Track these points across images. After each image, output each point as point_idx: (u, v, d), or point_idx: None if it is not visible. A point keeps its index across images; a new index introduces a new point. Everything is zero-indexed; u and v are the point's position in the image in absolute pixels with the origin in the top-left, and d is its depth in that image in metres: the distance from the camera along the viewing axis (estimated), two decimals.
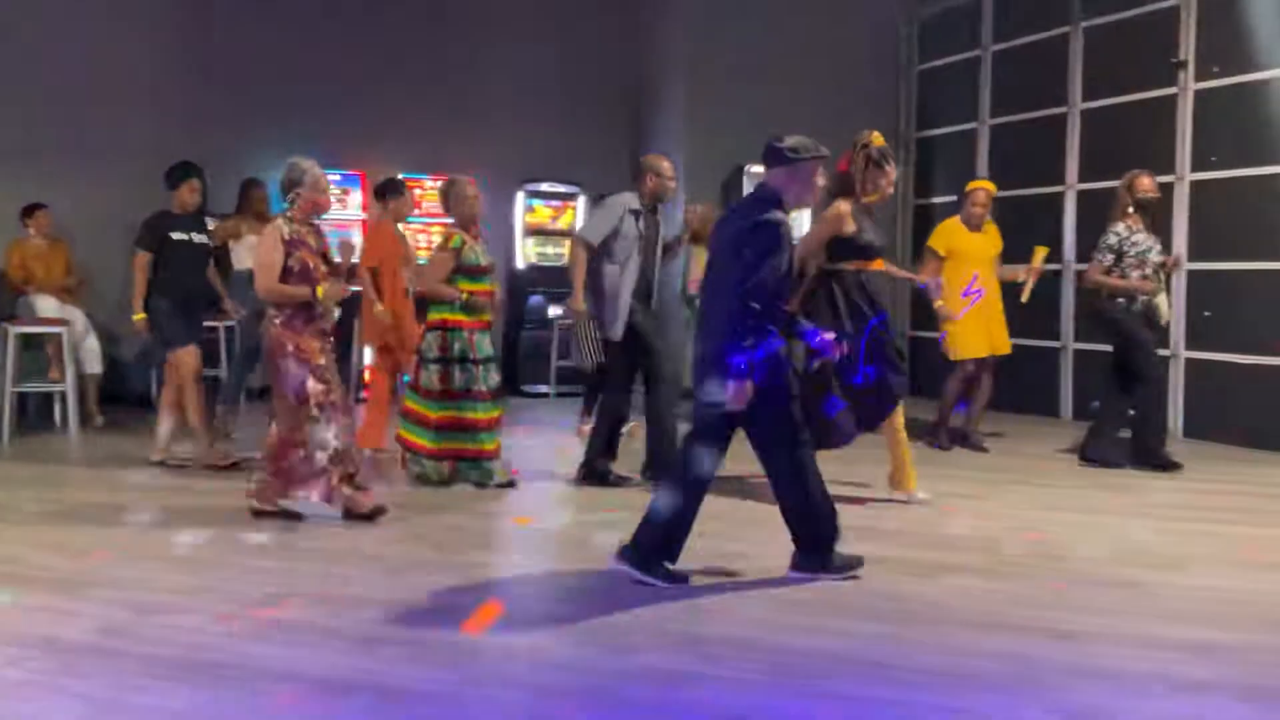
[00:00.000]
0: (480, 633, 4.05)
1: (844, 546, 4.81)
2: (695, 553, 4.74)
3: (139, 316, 7.06)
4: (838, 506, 4.78)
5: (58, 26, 9.72)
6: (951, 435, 8.17)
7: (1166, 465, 7.32)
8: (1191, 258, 8.22)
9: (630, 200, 6.65)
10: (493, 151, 10.57)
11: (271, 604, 4.32)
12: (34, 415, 8.90)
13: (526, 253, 11.07)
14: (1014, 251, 8.27)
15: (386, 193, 7.63)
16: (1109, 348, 7.71)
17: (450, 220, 6.82)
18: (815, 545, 4.72)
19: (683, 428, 6.70)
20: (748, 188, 10.64)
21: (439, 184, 7.21)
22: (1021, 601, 4.54)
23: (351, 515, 5.65)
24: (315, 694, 3.50)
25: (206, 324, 7.93)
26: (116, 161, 9.50)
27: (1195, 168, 8.78)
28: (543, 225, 11.14)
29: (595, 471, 6.65)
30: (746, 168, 10.75)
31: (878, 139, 6.09)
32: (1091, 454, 7.52)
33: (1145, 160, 8.14)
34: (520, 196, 11.02)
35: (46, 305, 8.77)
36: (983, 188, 8.14)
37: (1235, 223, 8.49)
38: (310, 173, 5.71)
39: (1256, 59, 8.35)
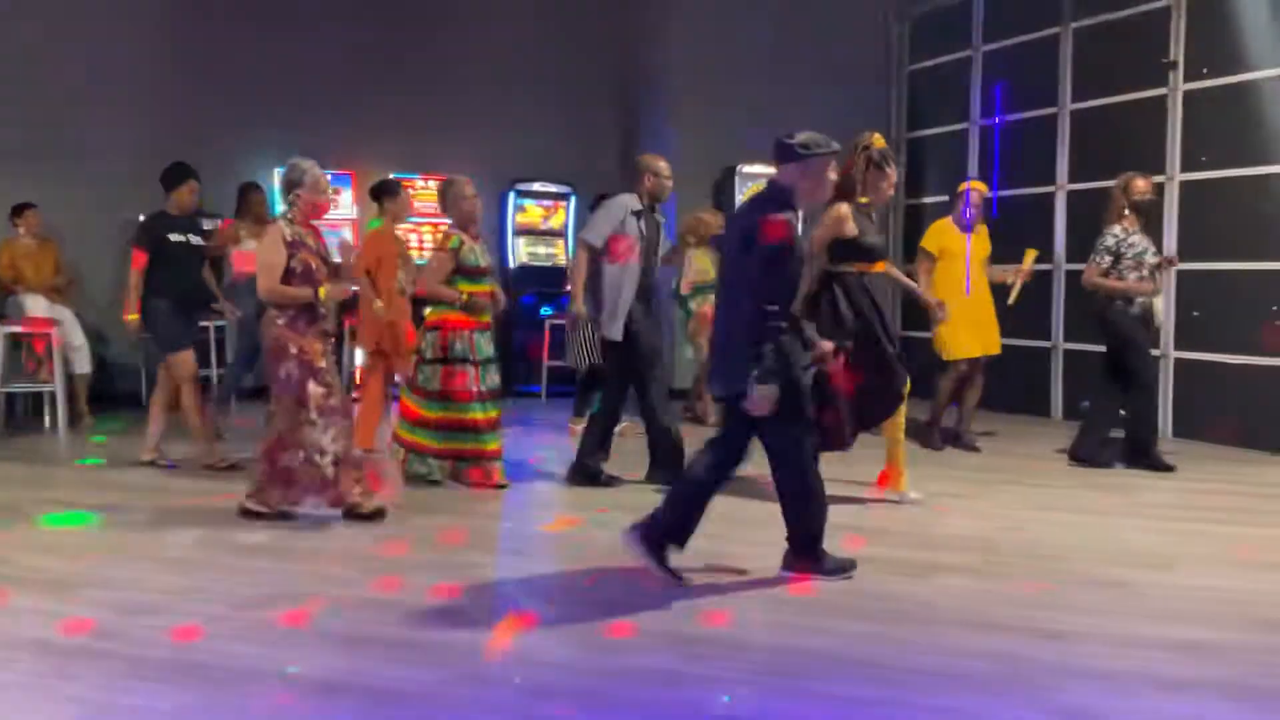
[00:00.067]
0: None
1: (835, 545, 4.82)
2: (691, 552, 4.75)
3: (132, 317, 7.04)
4: (830, 505, 4.79)
5: (51, 27, 9.69)
6: (944, 435, 8.18)
7: (1159, 466, 7.34)
8: (1181, 258, 8.25)
9: (631, 201, 6.65)
10: (483, 151, 10.55)
11: (262, 605, 4.31)
12: (22, 416, 8.88)
13: (517, 253, 11.05)
14: (1003, 252, 8.29)
15: (382, 194, 7.61)
16: (1101, 348, 7.73)
17: (449, 220, 6.81)
18: (806, 540, 4.74)
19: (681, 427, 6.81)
20: (739, 188, 10.69)
21: (438, 184, 7.18)
22: (1012, 601, 4.55)
23: (352, 515, 5.65)
24: (306, 695, 3.49)
25: (199, 324, 7.92)
26: (107, 162, 9.48)
27: (1185, 168, 8.81)
28: (534, 225, 11.12)
29: (587, 471, 6.66)
30: (738, 168, 10.78)
31: (879, 140, 6.07)
32: (1082, 454, 7.54)
33: (1135, 161, 8.17)
34: (511, 196, 11.01)
35: (36, 305, 8.75)
36: (975, 188, 8.16)
37: (1225, 223, 8.52)
38: (310, 173, 5.70)
39: (1246, 60, 8.38)
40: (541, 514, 6.22)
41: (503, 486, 6.55)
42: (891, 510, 6.16)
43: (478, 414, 6.48)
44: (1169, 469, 7.32)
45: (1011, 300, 8.03)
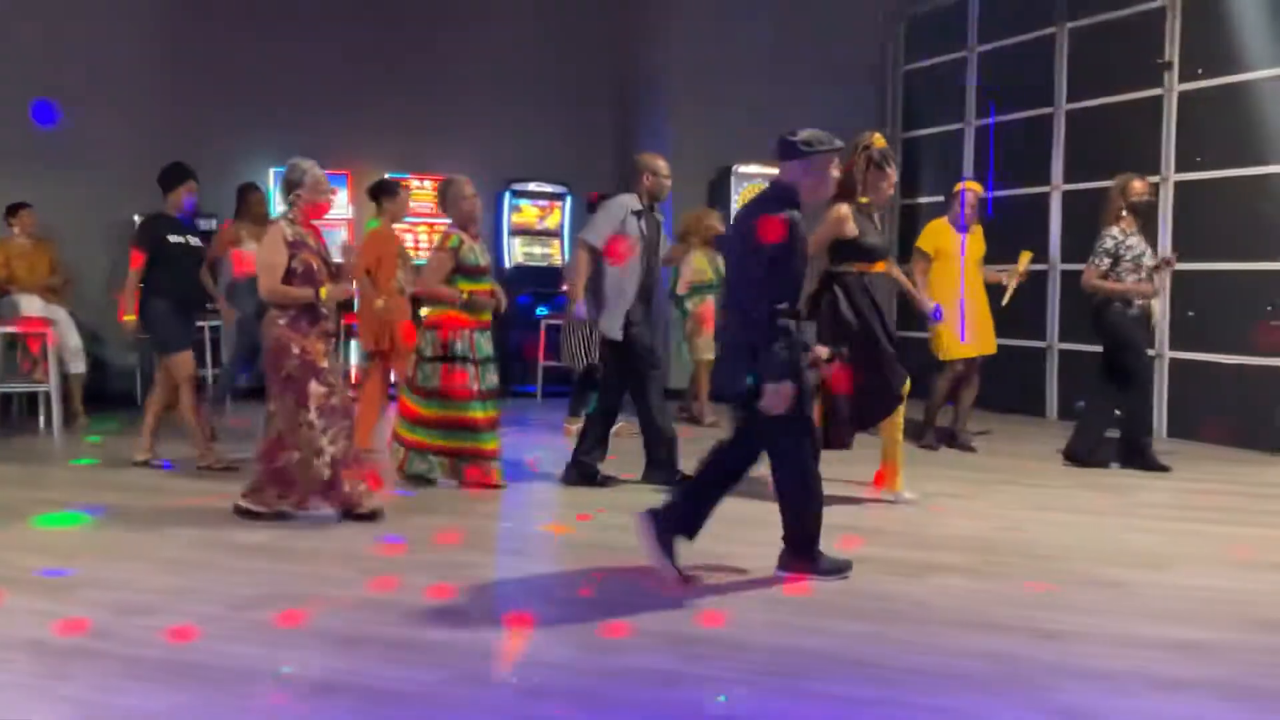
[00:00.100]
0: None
1: (831, 545, 4.82)
2: (687, 552, 4.74)
3: (129, 318, 7.02)
4: (826, 505, 4.79)
5: (51, 27, 9.67)
6: (939, 435, 8.19)
7: (1154, 466, 7.35)
8: (1176, 258, 8.27)
9: (631, 201, 6.66)
10: (479, 151, 10.56)
11: (259, 605, 4.30)
12: (17, 416, 8.86)
13: (513, 253, 11.05)
14: (998, 252, 8.29)
15: (381, 193, 7.61)
16: (1097, 348, 7.73)
17: (447, 220, 6.80)
18: (803, 540, 4.74)
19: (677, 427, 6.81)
20: (735, 188, 10.69)
21: (436, 184, 7.18)
22: (1008, 601, 4.56)
23: (351, 515, 5.64)
24: (303, 695, 3.49)
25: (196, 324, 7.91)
26: (105, 162, 9.47)
27: (1180, 168, 8.82)
28: (529, 225, 11.12)
29: (584, 470, 6.66)
30: (734, 168, 10.78)
31: (879, 140, 6.06)
32: (1077, 454, 7.54)
33: (1130, 161, 8.18)
34: (507, 196, 11.01)
35: (31, 305, 8.73)
36: (970, 188, 8.16)
37: (1220, 223, 8.53)
38: (310, 173, 5.69)
39: (1241, 60, 8.39)
40: (539, 514, 6.22)
41: (500, 487, 6.55)
42: (888, 510, 6.16)
43: (477, 412, 6.47)
44: (1164, 469, 7.33)
45: (1005, 300, 8.04)
